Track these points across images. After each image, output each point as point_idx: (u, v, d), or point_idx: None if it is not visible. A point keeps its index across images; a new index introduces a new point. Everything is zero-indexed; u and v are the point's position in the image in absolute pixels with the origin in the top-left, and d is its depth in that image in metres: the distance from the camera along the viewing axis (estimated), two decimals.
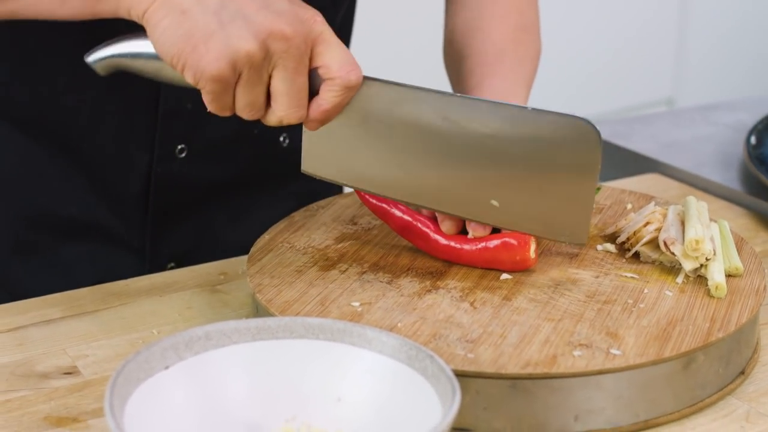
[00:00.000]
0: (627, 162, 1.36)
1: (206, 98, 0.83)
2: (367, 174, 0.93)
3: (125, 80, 0.92)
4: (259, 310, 0.91)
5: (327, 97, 0.84)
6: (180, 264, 1.13)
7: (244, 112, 0.84)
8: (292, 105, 0.83)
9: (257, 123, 1.01)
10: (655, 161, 1.33)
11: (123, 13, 0.84)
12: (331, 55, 0.82)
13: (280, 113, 0.84)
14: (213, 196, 1.14)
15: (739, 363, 0.88)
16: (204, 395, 0.75)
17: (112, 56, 0.86)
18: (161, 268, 1.14)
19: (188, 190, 1.12)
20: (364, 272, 0.94)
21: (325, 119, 0.86)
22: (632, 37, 3.12)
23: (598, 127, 0.88)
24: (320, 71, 0.83)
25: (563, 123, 0.88)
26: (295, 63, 0.81)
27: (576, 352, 0.81)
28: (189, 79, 0.82)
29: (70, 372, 0.89)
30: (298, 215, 1.05)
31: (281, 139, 1.15)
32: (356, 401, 0.76)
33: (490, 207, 0.92)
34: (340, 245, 0.99)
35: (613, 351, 0.81)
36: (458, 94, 0.89)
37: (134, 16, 0.82)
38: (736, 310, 0.88)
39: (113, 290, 1.02)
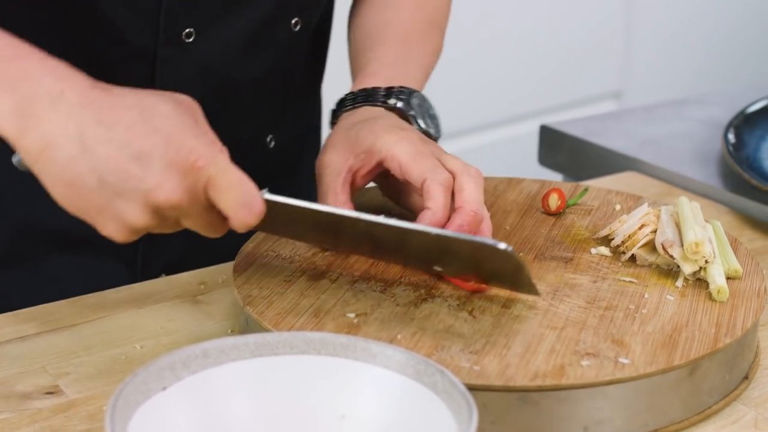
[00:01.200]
0: (603, 160, 1.34)
1: None
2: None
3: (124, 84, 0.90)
4: (249, 323, 0.87)
5: (235, 225, 0.81)
6: (172, 274, 1.09)
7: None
8: (209, 233, 0.82)
9: (246, 130, 1.00)
10: (632, 159, 1.31)
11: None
12: (223, 201, 0.79)
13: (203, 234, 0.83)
14: None
15: (743, 367, 0.86)
16: (205, 416, 0.72)
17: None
18: (154, 278, 1.09)
19: None
20: (356, 281, 0.91)
21: (246, 230, 0.82)
22: (580, 30, 3.11)
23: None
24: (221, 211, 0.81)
25: (484, 249, 0.84)
26: (193, 214, 0.80)
27: (584, 362, 0.79)
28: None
29: (53, 391, 0.85)
30: None
31: (268, 140, 1.15)
32: (362, 418, 0.73)
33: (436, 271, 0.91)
34: (327, 253, 0.96)
35: (622, 360, 0.79)
36: (370, 218, 0.85)
37: (24, 163, 0.81)
38: (740, 314, 0.86)
39: (90, 303, 0.98)
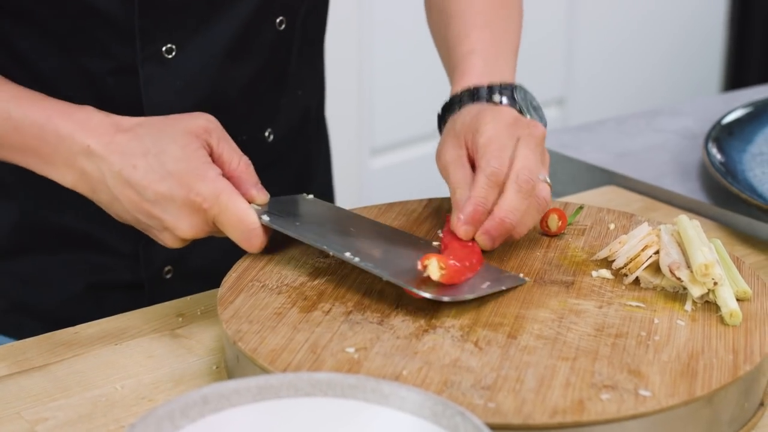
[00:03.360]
0: (580, 174, 1.31)
1: None
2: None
3: (115, 93, 1.02)
4: (240, 360, 0.82)
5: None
6: (176, 268, 1.12)
7: None
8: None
9: (244, 131, 1.07)
10: (610, 172, 1.28)
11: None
12: (228, 234, 0.92)
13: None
14: None
15: (758, 394, 0.83)
16: None
17: None
18: (158, 273, 1.11)
19: None
20: (350, 312, 0.86)
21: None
22: (525, 37, 3.10)
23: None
24: None
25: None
26: (217, 234, 0.94)
27: (603, 396, 0.75)
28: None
29: None
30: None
31: (266, 134, 1.13)
32: None
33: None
34: (316, 282, 0.91)
35: (642, 392, 0.75)
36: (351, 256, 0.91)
37: None
38: (756, 339, 0.82)
39: (62, 339, 0.93)
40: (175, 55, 1.02)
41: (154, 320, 0.96)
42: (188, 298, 0.99)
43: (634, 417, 0.73)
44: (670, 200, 1.21)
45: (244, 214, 0.91)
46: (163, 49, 1.01)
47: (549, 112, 3.49)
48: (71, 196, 0.96)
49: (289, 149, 1.17)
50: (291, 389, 0.70)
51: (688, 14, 3.25)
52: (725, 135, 1.26)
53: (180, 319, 0.96)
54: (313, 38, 1.19)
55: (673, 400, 0.75)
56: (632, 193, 1.24)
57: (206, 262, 1.07)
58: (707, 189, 1.21)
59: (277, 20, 1.08)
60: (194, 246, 1.00)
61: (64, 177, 0.94)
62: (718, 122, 1.30)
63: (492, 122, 0.96)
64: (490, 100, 1.01)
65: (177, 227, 0.91)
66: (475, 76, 1.03)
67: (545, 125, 1.01)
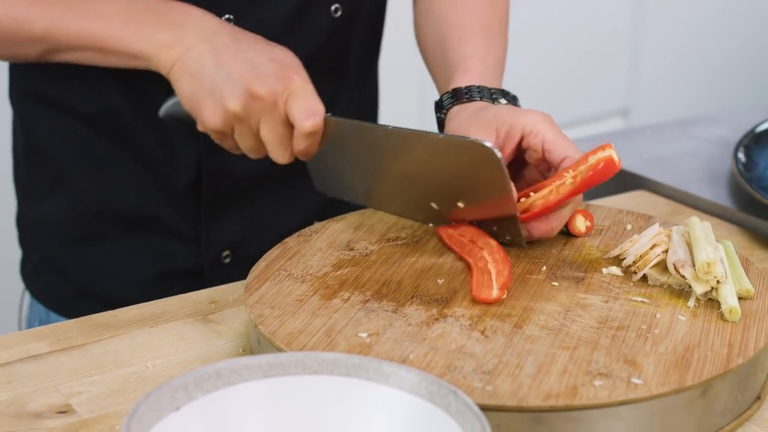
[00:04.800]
0: (612, 178, 1.34)
1: (216, 142, 1.01)
2: (357, 191, 1.09)
3: None
4: (261, 343, 0.88)
5: (296, 140, 0.99)
6: (235, 252, 1.18)
7: (248, 153, 1.01)
8: (277, 149, 0.99)
9: None
10: (641, 177, 1.31)
11: (154, 70, 1.00)
12: (296, 105, 0.97)
13: (271, 154, 1.00)
14: (261, 184, 1.19)
15: (755, 387, 0.86)
16: None
17: (171, 108, 1.04)
18: (217, 256, 1.18)
19: (237, 180, 1.18)
20: (368, 300, 0.91)
21: (306, 155, 1.00)
22: (587, 47, 3.12)
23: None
24: (290, 120, 0.98)
25: (470, 148, 0.95)
26: (273, 117, 0.97)
27: (597, 382, 0.79)
28: (199, 127, 1.00)
29: (65, 411, 0.85)
30: (291, 241, 1.02)
31: None
32: None
33: (432, 210, 1.03)
34: (339, 272, 0.96)
35: (634, 380, 0.79)
36: (395, 128, 0.99)
37: (163, 73, 1.00)
38: (752, 334, 0.86)
39: (101, 322, 0.99)
40: (233, 25, 1.05)
41: (189, 306, 1.01)
42: (222, 286, 1.05)
43: (624, 403, 0.77)
44: (695, 204, 1.24)
45: (318, 98, 0.97)
46: (223, 18, 1.07)
47: (612, 123, 3.49)
48: (135, 180, 1.02)
49: None
50: (299, 367, 0.75)
51: (754, 22, 3.25)
52: (754, 143, 1.29)
53: (213, 305, 1.02)
54: (372, 44, 1.25)
55: (663, 388, 0.78)
56: (660, 197, 1.28)
57: (263, 248, 1.08)
58: (733, 195, 1.24)
59: (332, 7, 1.14)
60: (251, 232, 1.06)
61: (158, 38, 0.99)
62: (751, 131, 1.33)
63: (542, 123, 1.01)
64: (495, 101, 1.06)
65: (258, 80, 0.95)
66: (477, 76, 1.08)
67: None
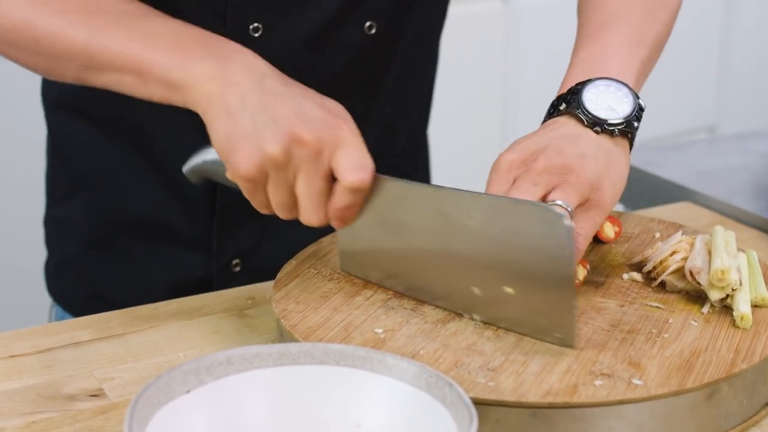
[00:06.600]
0: (659, 190, 1.36)
1: (245, 194, 0.91)
2: (388, 272, 0.96)
3: None
4: (283, 336, 0.91)
5: (337, 197, 0.89)
6: (245, 261, 1.17)
7: (278, 211, 0.91)
8: (311, 206, 0.89)
9: None
10: (688, 189, 1.32)
11: (190, 107, 0.91)
12: (343, 157, 0.87)
13: (302, 215, 0.90)
14: None
15: (764, 394, 0.87)
16: (224, 420, 0.76)
17: (198, 165, 0.96)
18: (227, 265, 1.18)
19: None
20: (389, 299, 0.94)
21: (342, 218, 0.90)
22: (674, 64, 3.11)
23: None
24: (334, 173, 0.88)
25: (534, 214, 0.85)
26: (314, 168, 0.87)
27: (597, 382, 0.81)
28: (228, 174, 0.90)
29: (96, 394, 0.90)
30: (326, 240, 1.06)
31: None
32: (375, 428, 0.76)
33: (474, 297, 0.90)
34: None
35: (635, 381, 0.81)
36: (450, 188, 0.90)
37: (198, 111, 0.90)
38: (761, 341, 0.87)
39: (143, 314, 1.04)
40: (261, 34, 1.06)
41: (226, 301, 1.06)
42: (260, 284, 1.09)
43: (621, 402, 0.79)
44: (738, 217, 1.25)
45: (368, 153, 0.89)
46: (251, 27, 1.06)
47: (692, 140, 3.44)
48: (148, 187, 1.04)
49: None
50: (307, 357, 0.79)
51: None
52: None
53: (250, 301, 1.06)
54: (420, 62, 1.22)
55: (662, 390, 0.80)
56: (703, 209, 1.29)
57: (273, 260, 1.09)
58: None
59: (366, 24, 1.12)
60: (263, 243, 1.07)
61: (200, 68, 0.90)
62: None
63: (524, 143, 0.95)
64: (559, 111, 0.98)
65: (304, 125, 0.86)
66: (565, 85, 1.00)
67: (627, 117, 0.96)
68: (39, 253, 1.33)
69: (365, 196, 0.90)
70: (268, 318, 1.02)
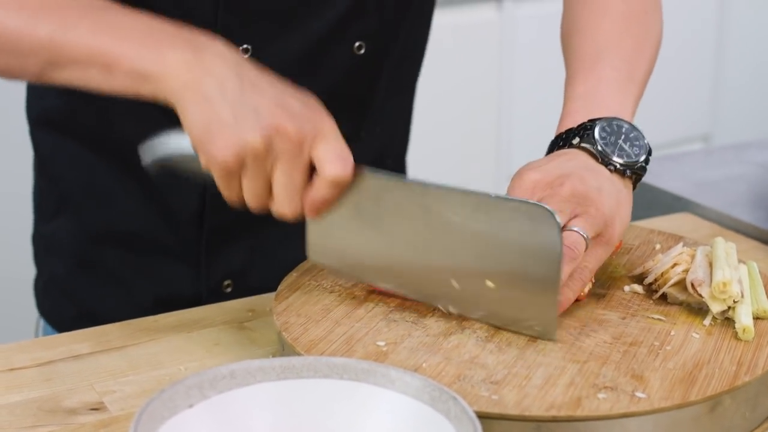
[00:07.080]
0: (657, 201, 1.36)
1: (218, 184, 0.88)
2: (361, 264, 0.96)
3: None
4: (285, 349, 0.91)
5: (316, 189, 0.88)
6: (236, 282, 1.16)
7: (251, 201, 0.89)
8: (286, 198, 0.88)
9: None
10: (686, 200, 1.32)
11: (161, 98, 0.88)
12: (325, 149, 0.87)
13: (277, 206, 0.89)
14: (266, 215, 1.12)
15: (767, 406, 0.87)
16: None
17: (163, 155, 0.92)
18: (217, 285, 1.17)
19: (241, 210, 1.11)
20: (391, 311, 0.94)
21: (318, 210, 0.90)
22: (669, 73, 3.11)
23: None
24: (315, 165, 0.88)
25: (523, 210, 0.87)
26: (293, 161, 0.87)
27: (600, 395, 0.81)
28: (202, 163, 0.87)
29: (97, 408, 0.89)
30: None
31: None
32: None
33: (452, 290, 0.92)
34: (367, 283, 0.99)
35: (638, 394, 0.81)
36: (435, 184, 0.90)
37: (170, 101, 0.88)
38: (764, 353, 0.87)
39: (142, 326, 1.03)
40: (250, 56, 1.06)
41: (226, 314, 1.06)
42: (261, 296, 1.09)
43: (624, 416, 0.79)
44: (737, 228, 1.25)
45: (344, 143, 0.89)
46: (240, 48, 1.05)
47: (694, 148, 3.45)
48: (137, 205, 1.02)
49: None
50: (311, 371, 0.79)
51: None
52: None
53: (250, 314, 1.05)
54: (405, 81, 1.23)
55: (666, 402, 0.80)
56: (703, 220, 1.29)
57: (265, 280, 1.08)
58: None
59: (355, 44, 1.12)
60: (253, 263, 1.06)
61: (174, 56, 0.88)
62: None
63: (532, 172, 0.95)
64: (572, 146, 0.99)
65: (284, 117, 0.86)
66: (570, 120, 1.02)
67: (639, 159, 0.99)
68: (27, 266, 1.32)
69: (342, 189, 0.89)
70: (268, 330, 1.02)
